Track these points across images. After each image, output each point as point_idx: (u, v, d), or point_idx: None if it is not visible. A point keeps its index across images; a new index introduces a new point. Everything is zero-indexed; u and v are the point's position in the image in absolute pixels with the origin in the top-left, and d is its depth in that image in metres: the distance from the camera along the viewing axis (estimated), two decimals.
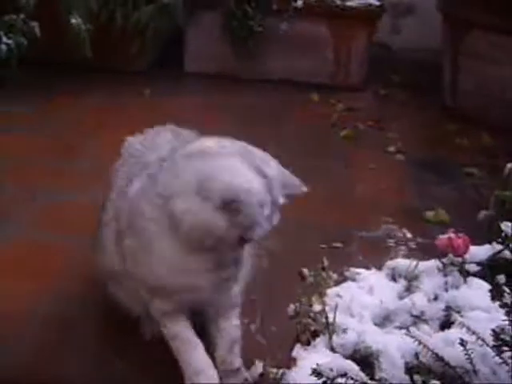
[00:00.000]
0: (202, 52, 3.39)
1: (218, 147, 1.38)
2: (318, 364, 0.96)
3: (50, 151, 2.57)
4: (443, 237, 1.42)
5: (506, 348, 1.07)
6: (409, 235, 2.12)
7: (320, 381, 0.94)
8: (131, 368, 1.55)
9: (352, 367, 1.02)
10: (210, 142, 1.40)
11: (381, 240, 2.09)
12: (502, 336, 1.09)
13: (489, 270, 1.45)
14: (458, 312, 1.26)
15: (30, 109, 2.87)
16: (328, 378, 0.93)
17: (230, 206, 1.27)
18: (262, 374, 1.32)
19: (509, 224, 1.39)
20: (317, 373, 0.94)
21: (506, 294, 1.24)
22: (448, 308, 1.26)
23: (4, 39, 2.84)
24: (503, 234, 1.36)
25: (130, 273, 1.46)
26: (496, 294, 1.29)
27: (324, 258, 1.30)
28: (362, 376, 1.00)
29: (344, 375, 0.95)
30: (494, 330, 1.02)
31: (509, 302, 1.20)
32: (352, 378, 0.96)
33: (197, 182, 1.30)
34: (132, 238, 1.43)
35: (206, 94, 3.23)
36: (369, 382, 0.99)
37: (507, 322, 1.10)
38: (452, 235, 1.41)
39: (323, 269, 1.25)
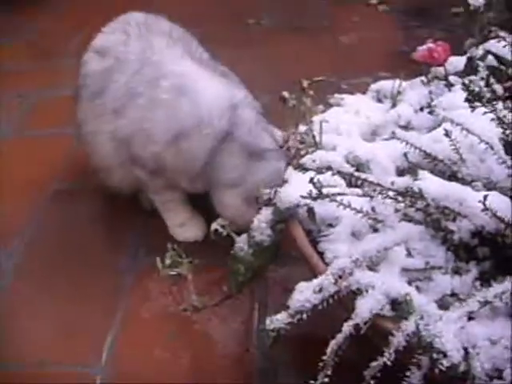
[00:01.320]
0: None
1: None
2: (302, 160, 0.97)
3: (28, 57, 2.54)
4: (422, 47, 1.40)
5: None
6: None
7: (301, 175, 0.95)
8: (139, 233, 1.61)
9: (335, 159, 1.03)
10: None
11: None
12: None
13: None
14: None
15: (5, 17, 2.81)
16: (314, 171, 0.94)
17: None
18: None
19: None
20: (302, 168, 0.95)
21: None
22: (433, 111, 1.26)
23: None
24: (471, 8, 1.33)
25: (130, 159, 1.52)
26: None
27: (303, 80, 1.29)
28: (348, 167, 1.01)
29: (329, 168, 0.96)
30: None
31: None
32: (338, 171, 0.97)
33: None
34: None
35: None
36: (355, 173, 1.00)
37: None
38: (431, 45, 1.39)
39: (303, 89, 1.24)
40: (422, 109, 1.37)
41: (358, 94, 1.49)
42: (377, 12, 2.72)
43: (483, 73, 1.22)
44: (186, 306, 1.17)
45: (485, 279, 1.01)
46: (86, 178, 1.77)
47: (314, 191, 0.96)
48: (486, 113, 0.99)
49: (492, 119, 1.00)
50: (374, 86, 1.49)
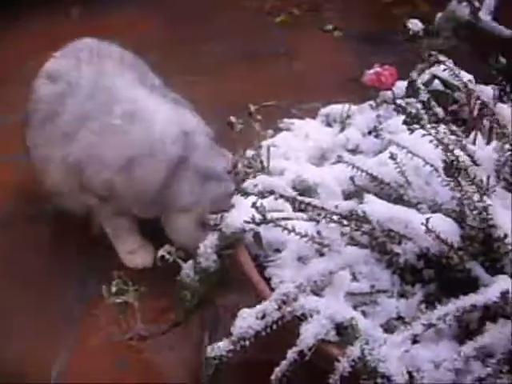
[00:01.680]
0: None
1: None
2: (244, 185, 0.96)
3: None
4: (370, 72, 1.41)
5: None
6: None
7: (248, 200, 0.95)
8: (89, 259, 1.58)
9: (279, 183, 1.02)
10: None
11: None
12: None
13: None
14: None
15: None
16: (256, 195, 0.93)
17: None
18: None
19: (415, 21, 1.38)
20: (243, 193, 0.94)
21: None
22: (379, 135, 1.26)
23: None
24: (410, 33, 1.35)
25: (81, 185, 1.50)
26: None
27: (250, 104, 1.29)
28: (290, 192, 1.00)
29: (271, 192, 0.95)
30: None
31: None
32: (281, 195, 0.96)
33: None
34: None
35: (135, 6, 3.14)
36: (298, 197, 0.99)
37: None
38: (378, 69, 1.40)
39: (250, 114, 1.24)
40: (370, 132, 1.38)
41: (307, 119, 1.49)
42: (332, 38, 2.76)
43: (424, 96, 1.23)
44: (132, 334, 1.15)
45: (430, 301, 1.01)
46: (36, 204, 1.74)
47: (258, 216, 0.96)
48: (424, 135, 1.00)
49: (431, 141, 1.00)
50: (323, 111, 1.50)
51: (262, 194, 0.95)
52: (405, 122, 1.04)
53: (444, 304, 0.95)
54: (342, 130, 1.41)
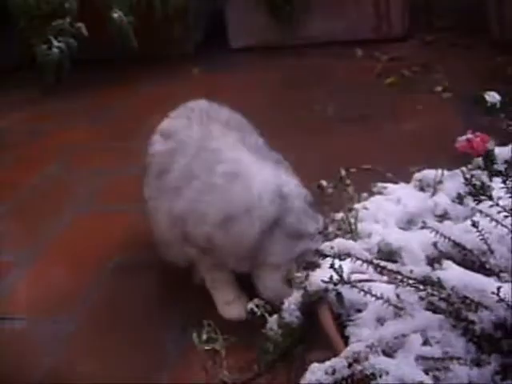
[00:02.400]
0: (244, 26, 3.47)
1: None
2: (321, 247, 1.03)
3: (106, 137, 2.73)
4: (461, 138, 1.44)
5: None
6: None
7: (324, 261, 1.00)
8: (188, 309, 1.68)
9: (354, 246, 1.07)
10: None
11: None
12: None
13: None
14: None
15: (86, 103, 3.05)
16: (332, 257, 0.99)
17: None
18: None
19: (492, 93, 1.40)
20: (320, 254, 1.00)
21: None
22: (462, 202, 1.28)
23: (55, 43, 3.03)
24: (487, 105, 1.36)
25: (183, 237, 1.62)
26: None
27: (341, 169, 1.35)
28: (367, 255, 1.05)
29: (347, 255, 1.01)
30: None
31: None
32: (357, 257, 1.01)
33: None
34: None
35: (252, 67, 3.31)
36: (374, 260, 1.04)
37: None
38: (470, 136, 1.43)
39: (341, 178, 1.31)
40: (461, 202, 1.40)
41: (401, 183, 1.53)
42: (441, 100, 2.77)
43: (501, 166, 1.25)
44: (217, 381, 1.21)
45: (509, 372, 1.01)
46: (146, 253, 1.88)
47: (335, 277, 1.01)
48: (491, 206, 1.03)
49: (499, 212, 1.02)
50: (417, 175, 1.54)
51: (338, 256, 1.00)
52: (469, 194, 1.06)
53: None
54: (433, 195, 1.45)
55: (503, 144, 1.59)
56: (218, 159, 1.60)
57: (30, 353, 1.64)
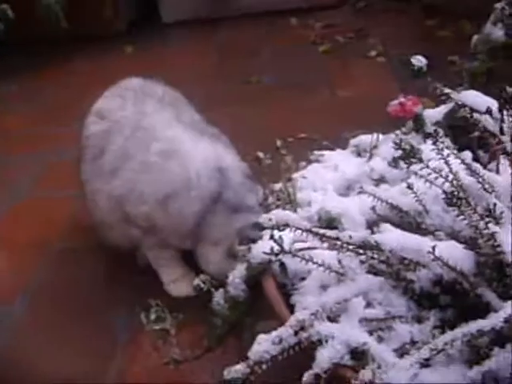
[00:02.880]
0: (176, 1, 3.42)
1: None
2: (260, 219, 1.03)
3: (41, 121, 2.67)
4: (394, 102, 1.46)
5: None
6: None
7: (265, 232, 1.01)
8: (135, 289, 1.67)
9: (292, 216, 1.08)
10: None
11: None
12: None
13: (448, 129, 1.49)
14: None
15: (16, 87, 2.97)
16: (271, 228, 0.99)
17: None
18: None
19: (418, 57, 1.42)
20: (258, 227, 1.01)
21: None
22: (397, 165, 1.31)
23: None
24: (415, 69, 1.39)
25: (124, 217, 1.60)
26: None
27: (277, 140, 1.36)
28: (306, 224, 1.06)
29: (286, 225, 1.02)
30: None
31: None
32: (296, 227, 1.02)
33: None
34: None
35: (186, 41, 3.29)
36: (313, 229, 1.05)
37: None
38: (402, 99, 1.45)
39: (277, 149, 1.31)
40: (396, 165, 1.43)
41: (338, 150, 1.55)
42: (375, 64, 2.81)
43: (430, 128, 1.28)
44: (168, 359, 1.22)
45: (448, 327, 1.04)
46: (88, 237, 1.85)
47: (276, 247, 1.02)
48: (421, 168, 1.06)
49: (429, 174, 1.05)
50: (353, 141, 1.56)
51: (277, 227, 1.01)
52: (400, 158, 1.09)
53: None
54: (370, 159, 1.47)
55: (435, 106, 1.63)
56: (152, 137, 1.58)
57: None
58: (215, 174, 1.51)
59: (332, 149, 1.56)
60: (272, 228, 1.01)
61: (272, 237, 1.01)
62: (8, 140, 2.57)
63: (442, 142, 1.05)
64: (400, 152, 1.04)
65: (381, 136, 1.52)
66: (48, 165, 2.37)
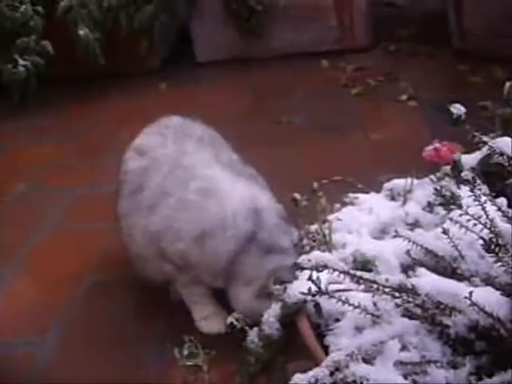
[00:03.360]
0: (210, 40, 3.49)
1: None
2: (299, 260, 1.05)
3: (76, 154, 2.73)
4: (429, 148, 1.48)
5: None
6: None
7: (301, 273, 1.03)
8: (166, 324, 1.69)
9: (330, 258, 1.10)
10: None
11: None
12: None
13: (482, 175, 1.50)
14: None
15: (53, 120, 3.04)
16: (310, 270, 1.01)
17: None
18: None
19: (457, 105, 1.44)
20: (298, 267, 1.02)
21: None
22: (432, 210, 1.32)
23: (20, 61, 3.01)
24: (453, 117, 1.40)
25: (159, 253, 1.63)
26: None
27: (314, 182, 1.38)
28: (343, 266, 1.08)
29: (324, 266, 1.03)
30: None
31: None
32: (334, 269, 1.04)
33: None
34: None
35: (219, 80, 3.34)
36: (350, 271, 1.07)
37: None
38: (437, 145, 1.47)
39: (314, 191, 1.34)
40: (431, 210, 1.44)
41: (372, 193, 1.57)
42: (406, 108, 2.83)
43: (468, 175, 1.29)
44: None
45: (483, 373, 1.05)
46: (121, 271, 1.88)
47: (313, 288, 1.04)
48: (461, 215, 1.07)
49: (469, 220, 1.06)
50: (387, 185, 1.57)
51: (316, 268, 1.03)
52: (440, 204, 1.10)
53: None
54: (404, 203, 1.48)
55: (468, 152, 1.64)
56: (191, 176, 1.62)
57: (4, 378, 1.63)
58: (251, 214, 1.54)
59: (366, 192, 1.57)
60: (311, 269, 1.03)
61: (310, 277, 1.03)
62: (42, 173, 2.63)
63: (480, 189, 1.07)
64: (439, 198, 1.05)
65: (415, 180, 1.53)
66: (82, 198, 2.41)
